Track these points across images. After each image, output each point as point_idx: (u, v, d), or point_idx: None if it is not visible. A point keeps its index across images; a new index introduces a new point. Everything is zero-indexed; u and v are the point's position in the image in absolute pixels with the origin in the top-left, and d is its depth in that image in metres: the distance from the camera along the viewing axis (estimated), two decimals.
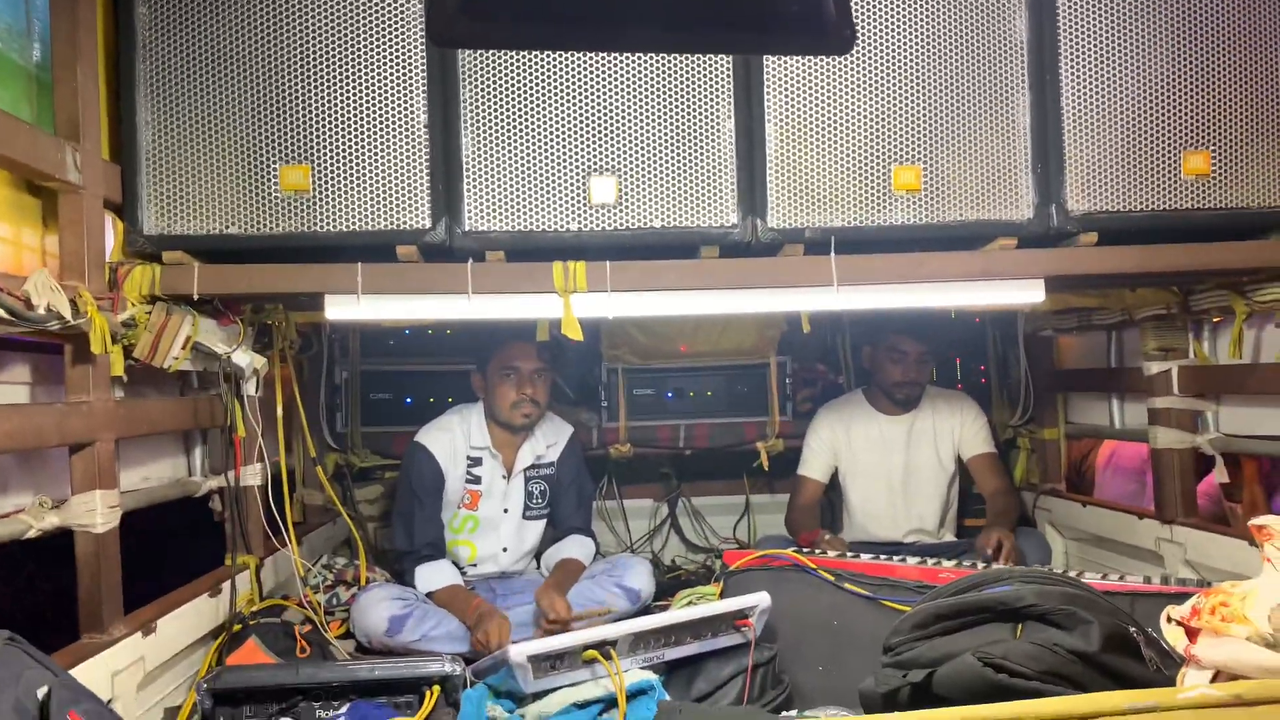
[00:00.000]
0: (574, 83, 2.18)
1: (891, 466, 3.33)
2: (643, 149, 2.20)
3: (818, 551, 2.73)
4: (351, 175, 2.13)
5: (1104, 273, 2.39)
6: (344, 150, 2.13)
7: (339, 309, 2.20)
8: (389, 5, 2.12)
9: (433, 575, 2.79)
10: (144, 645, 2.02)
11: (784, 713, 2.11)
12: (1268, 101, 2.32)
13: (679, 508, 3.96)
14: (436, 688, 2.02)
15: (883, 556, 2.72)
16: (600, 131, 2.19)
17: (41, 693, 1.42)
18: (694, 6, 1.04)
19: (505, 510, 3.01)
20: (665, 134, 2.21)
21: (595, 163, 2.19)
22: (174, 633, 2.17)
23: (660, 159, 2.21)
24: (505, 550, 3.03)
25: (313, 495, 3.27)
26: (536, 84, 2.17)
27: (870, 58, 2.24)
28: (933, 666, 1.67)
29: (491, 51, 2.15)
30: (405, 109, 2.13)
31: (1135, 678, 1.60)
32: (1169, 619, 1.61)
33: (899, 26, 2.24)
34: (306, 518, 3.28)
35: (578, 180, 2.19)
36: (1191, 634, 1.56)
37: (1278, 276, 2.44)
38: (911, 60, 2.25)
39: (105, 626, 1.93)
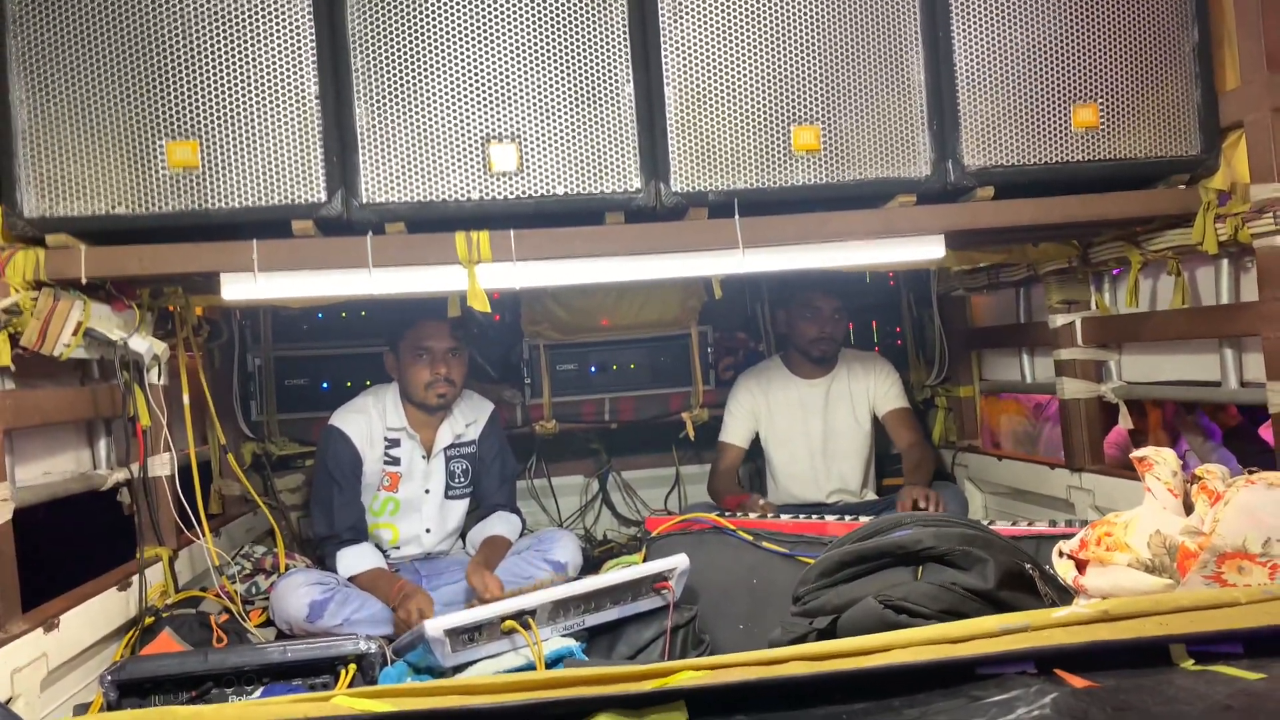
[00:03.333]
0: (469, 48, 2.15)
1: (811, 429, 3.38)
2: (543, 115, 2.18)
3: (741, 514, 2.77)
4: (242, 150, 2.07)
5: (1001, 226, 2.43)
6: (233, 124, 2.07)
7: (236, 288, 2.15)
8: None
9: (354, 559, 2.75)
10: (46, 642, 1.96)
11: None
12: (1153, 54, 2.38)
13: (610, 482, 3.97)
14: (352, 666, 2.00)
15: (802, 516, 2.76)
16: (498, 98, 2.16)
17: None
18: None
19: (427, 491, 2.99)
20: (565, 99, 2.19)
21: (495, 129, 2.17)
22: (80, 628, 2.11)
23: (561, 124, 2.19)
24: (428, 531, 3.00)
25: (231, 486, 3.20)
26: (430, 50, 2.14)
27: (766, 18, 2.25)
28: (838, 612, 1.70)
29: (383, 17, 2.11)
30: (295, 80, 2.08)
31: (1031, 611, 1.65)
32: (1060, 553, 1.66)
33: None
34: (226, 508, 3.22)
35: (477, 148, 2.16)
36: (1081, 566, 1.62)
37: (1168, 225, 2.52)
38: (807, 20, 2.26)
39: (2, 623, 1.87)
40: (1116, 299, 2.95)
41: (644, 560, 2.57)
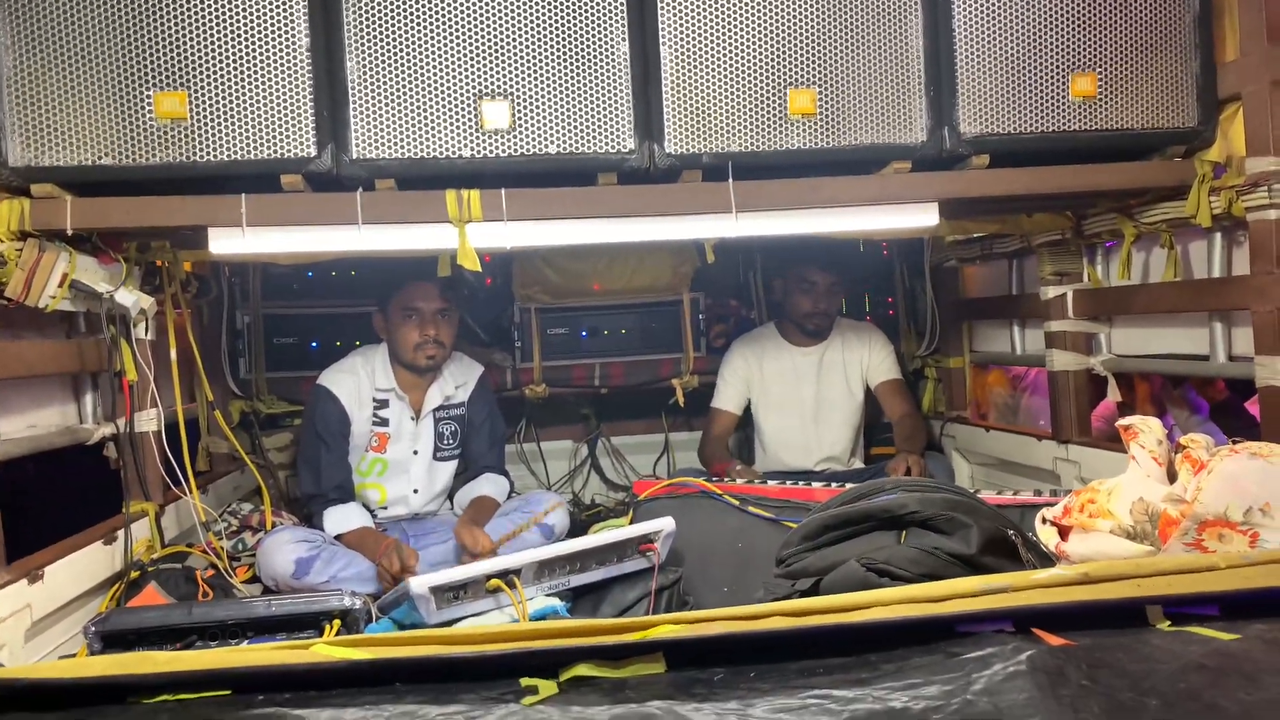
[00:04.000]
0: (463, 2, 2.12)
1: (803, 397, 3.39)
2: (536, 72, 2.16)
3: (728, 479, 2.77)
4: (231, 102, 2.05)
5: (996, 195, 2.42)
6: (222, 76, 2.04)
7: (224, 243, 2.14)
8: None
9: (342, 518, 2.76)
10: (30, 593, 1.96)
11: None
12: (1153, 24, 2.36)
13: (599, 448, 3.98)
14: (337, 622, 2.00)
15: (789, 482, 2.77)
16: (492, 53, 2.14)
17: None
18: None
19: (415, 452, 2.99)
20: (559, 57, 2.16)
21: (487, 86, 2.14)
22: (65, 580, 2.11)
23: (555, 83, 2.17)
24: (416, 492, 3.00)
25: (219, 444, 3.19)
26: (424, 3, 2.11)
27: None
28: (820, 575, 1.71)
29: None
30: (286, 31, 2.05)
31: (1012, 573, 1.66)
32: (1043, 520, 1.67)
33: None
34: (213, 466, 3.21)
35: (469, 104, 2.14)
36: (1064, 532, 1.63)
37: (1163, 198, 2.51)
38: None
39: None
40: (1109, 272, 2.95)
41: (630, 523, 2.58)
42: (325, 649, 1.14)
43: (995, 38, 2.31)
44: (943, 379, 3.87)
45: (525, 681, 1.05)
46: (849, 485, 2.64)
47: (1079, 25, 2.34)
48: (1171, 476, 1.55)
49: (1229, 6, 2.35)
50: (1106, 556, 1.45)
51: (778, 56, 2.25)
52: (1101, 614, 1.11)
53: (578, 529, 2.99)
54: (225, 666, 1.15)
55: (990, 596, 1.14)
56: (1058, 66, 2.34)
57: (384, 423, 2.94)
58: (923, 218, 2.44)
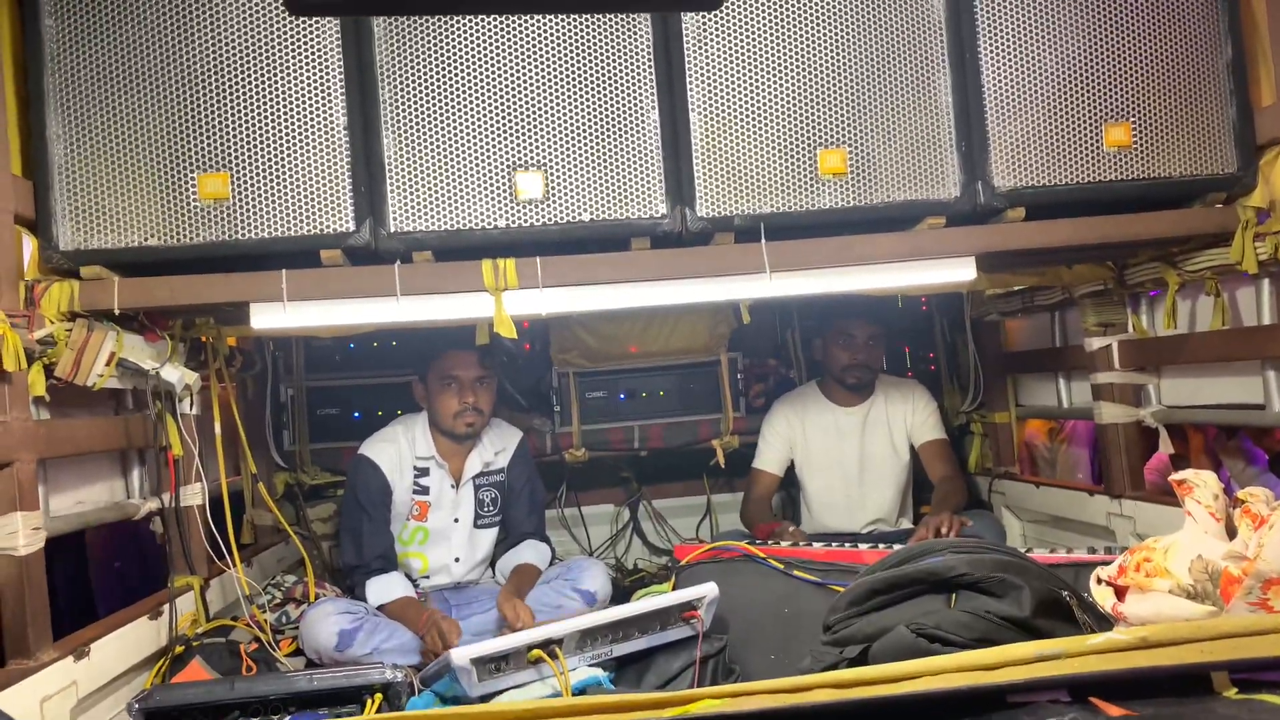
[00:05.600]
0: (495, 78, 2.17)
1: (847, 456, 3.34)
2: (568, 143, 2.19)
3: (772, 542, 2.73)
4: (272, 181, 2.10)
5: (1033, 247, 2.40)
6: (263, 156, 2.10)
7: (265, 318, 2.17)
8: None
9: (384, 588, 2.75)
10: (76, 670, 1.97)
11: None
12: (1185, 71, 2.35)
13: (640, 511, 3.95)
14: (379, 695, 1.98)
15: (835, 544, 2.71)
16: (524, 126, 2.18)
17: None
18: None
19: (456, 520, 2.98)
20: (590, 127, 2.20)
21: (521, 158, 2.18)
22: (110, 656, 2.12)
23: (586, 152, 2.20)
24: (458, 560, 2.99)
25: (263, 516, 3.22)
26: (457, 81, 2.16)
27: (790, 42, 2.25)
28: (869, 641, 1.66)
29: (410, 48, 2.14)
30: (324, 111, 2.12)
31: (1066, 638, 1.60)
32: (1098, 580, 1.61)
33: (816, 10, 2.25)
34: (258, 538, 3.23)
35: (504, 176, 2.18)
36: (1120, 592, 1.57)
37: (1206, 245, 2.47)
38: (831, 43, 2.26)
39: (32, 651, 1.88)
40: (1154, 321, 2.89)
41: (673, 589, 2.54)
42: None
43: (1025, 91, 2.31)
44: (989, 434, 3.80)
45: None
46: (897, 546, 2.60)
47: (1110, 75, 2.33)
48: (1231, 532, 1.49)
49: (1263, 52, 2.34)
50: (1166, 618, 1.39)
51: (806, 117, 2.26)
52: (1163, 681, 1.06)
53: (621, 595, 2.95)
54: None
55: (1044, 663, 1.09)
56: (1090, 117, 2.33)
57: (424, 491, 2.95)
58: (960, 272, 2.42)
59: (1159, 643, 1.12)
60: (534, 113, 2.19)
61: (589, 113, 2.20)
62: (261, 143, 2.10)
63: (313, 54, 2.11)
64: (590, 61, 2.20)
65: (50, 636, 1.96)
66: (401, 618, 2.64)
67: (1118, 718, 1.00)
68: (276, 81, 2.10)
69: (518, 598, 2.66)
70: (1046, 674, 1.07)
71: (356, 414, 3.66)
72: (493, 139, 2.17)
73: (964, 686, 1.06)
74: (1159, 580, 1.43)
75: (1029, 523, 3.56)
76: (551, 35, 2.18)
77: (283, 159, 2.11)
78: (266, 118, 2.10)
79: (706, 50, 2.23)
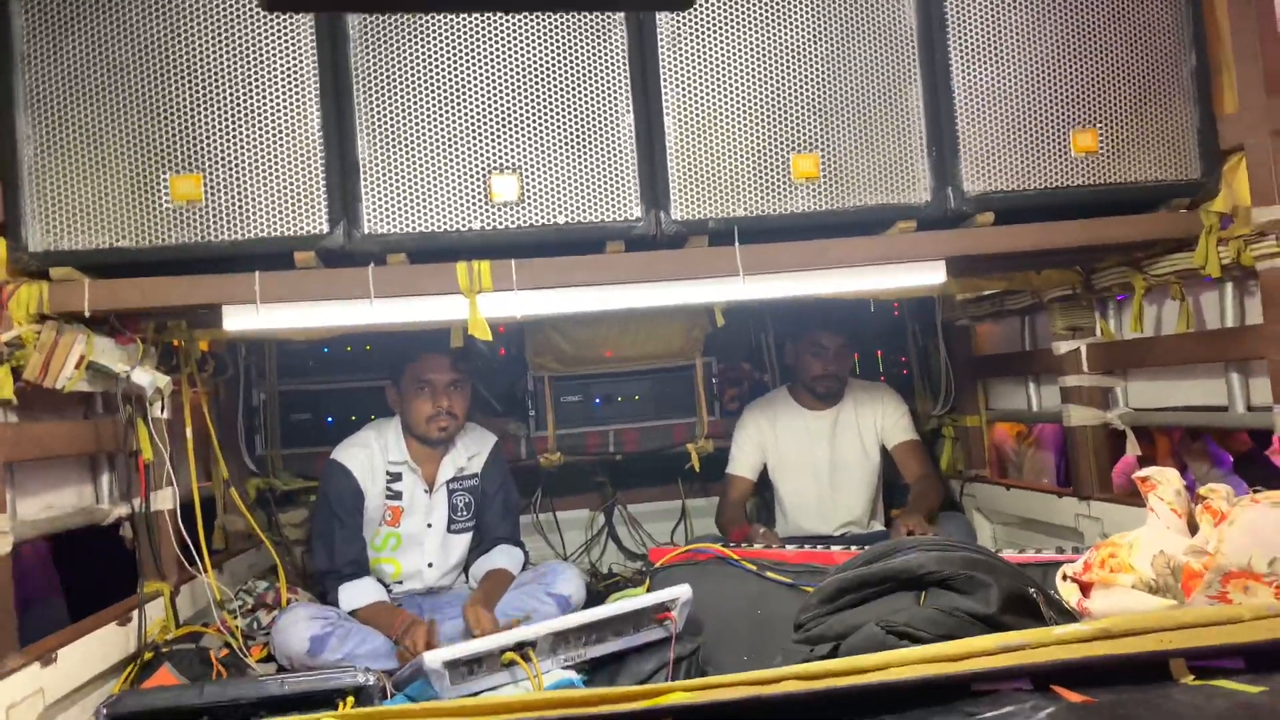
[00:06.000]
0: (470, 80, 2.17)
1: (818, 460, 3.36)
2: (543, 145, 2.20)
3: (745, 545, 2.74)
4: (245, 182, 2.10)
5: (1002, 251, 2.43)
6: (237, 157, 2.09)
7: (238, 320, 2.16)
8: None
9: (356, 594, 2.73)
10: (43, 676, 1.94)
11: None
12: (1151, 79, 2.39)
13: (615, 516, 3.95)
14: (350, 699, 1.96)
15: (808, 546, 2.73)
16: (499, 129, 2.19)
17: None
18: None
19: (429, 525, 2.97)
20: (565, 130, 2.21)
21: (496, 160, 2.19)
22: (78, 663, 2.09)
23: (561, 155, 2.21)
24: (430, 566, 2.98)
25: (235, 521, 3.19)
26: (432, 83, 2.16)
27: (764, 47, 2.27)
28: (840, 639, 1.68)
29: (385, 50, 2.14)
30: (298, 112, 2.11)
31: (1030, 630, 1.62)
32: (1064, 576, 1.64)
33: (790, 16, 2.27)
34: (230, 544, 3.20)
35: (479, 178, 2.18)
36: (1085, 589, 1.59)
37: (1171, 250, 2.52)
38: (804, 49, 2.28)
39: None
40: (1121, 325, 2.93)
41: (647, 591, 2.54)
42: None
43: (994, 97, 2.35)
44: (960, 438, 3.84)
45: None
46: (866, 547, 2.62)
47: (1077, 82, 2.37)
48: (1192, 528, 1.52)
49: (1226, 61, 2.38)
50: (1129, 611, 1.41)
51: (779, 122, 2.29)
52: (1123, 669, 1.08)
53: (596, 599, 2.95)
54: None
55: (1008, 654, 1.11)
56: (1058, 123, 2.37)
57: (397, 496, 2.93)
58: (930, 276, 2.45)
59: (1120, 633, 1.14)
60: (509, 115, 2.19)
61: (564, 116, 2.21)
62: (235, 144, 2.09)
63: (288, 55, 2.11)
64: (565, 65, 2.21)
65: (16, 643, 1.93)
66: (374, 623, 2.63)
67: (1078, 704, 1.02)
68: (251, 82, 2.10)
69: (484, 604, 2.65)
70: (1009, 663, 1.09)
71: (329, 419, 3.64)
72: (468, 141, 2.18)
73: (929, 675, 1.08)
74: (1123, 575, 1.45)
75: (1000, 525, 3.59)
76: (526, 38, 2.19)
77: (256, 160, 2.10)
78: (240, 119, 2.10)
79: (681, 54, 2.25)
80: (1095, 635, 1.14)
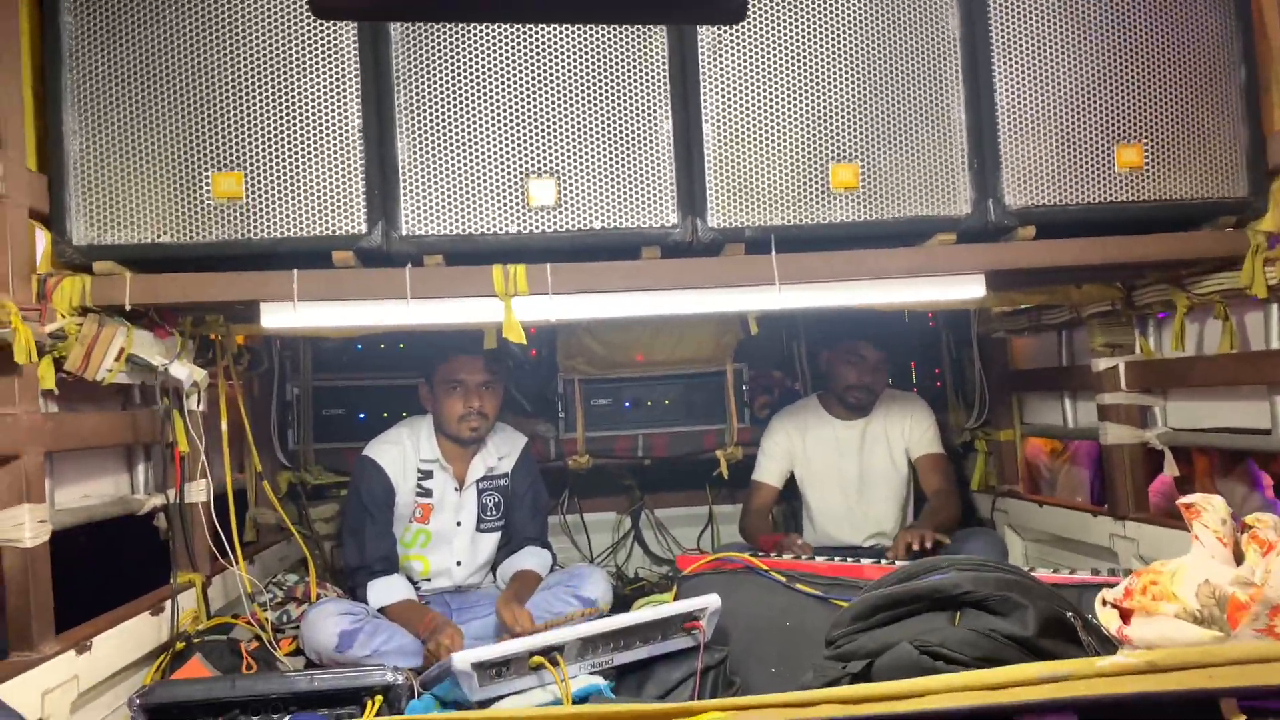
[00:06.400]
0: (510, 85, 2.18)
1: (846, 470, 3.33)
2: (582, 151, 2.20)
3: (776, 555, 2.72)
4: (286, 181, 2.11)
5: (1043, 266, 2.39)
6: (278, 156, 2.11)
7: (275, 317, 2.18)
8: None
9: (385, 590, 2.75)
10: (78, 664, 1.97)
11: None
12: (1198, 94, 2.35)
13: (642, 520, 3.94)
14: (379, 698, 1.98)
15: (838, 559, 2.71)
16: (539, 133, 2.19)
17: None
18: None
19: (458, 523, 2.98)
20: (604, 136, 2.21)
21: (534, 165, 2.19)
22: (112, 651, 2.12)
23: (599, 161, 2.21)
24: (459, 564, 2.99)
25: (266, 514, 3.22)
26: (472, 86, 2.17)
27: (806, 57, 2.25)
28: (872, 657, 1.66)
29: (427, 53, 2.15)
30: (339, 114, 2.12)
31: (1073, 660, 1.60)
32: (1103, 602, 1.61)
33: (832, 25, 2.26)
34: (260, 537, 3.23)
35: (516, 183, 2.18)
36: (1125, 615, 1.56)
37: (1216, 268, 2.47)
38: (846, 59, 2.27)
39: (35, 644, 1.89)
40: (1162, 343, 2.89)
41: (675, 599, 2.54)
42: None
43: (1038, 110, 2.32)
44: (993, 452, 3.79)
45: None
46: (899, 563, 2.60)
47: (1123, 97, 2.34)
48: (1238, 558, 1.49)
49: (1276, 77, 2.34)
50: (1172, 642, 1.39)
51: (819, 132, 2.27)
52: (1171, 706, 1.05)
53: (621, 603, 2.95)
54: None
55: (1051, 685, 1.09)
56: (1103, 138, 2.33)
57: (428, 493, 2.95)
58: (969, 289, 2.42)
59: (1167, 667, 1.12)
60: (548, 120, 2.19)
61: (603, 121, 2.21)
62: (277, 143, 2.11)
63: (330, 56, 2.12)
64: (605, 70, 2.21)
65: (53, 630, 1.96)
66: (402, 620, 2.64)
67: None
68: (293, 82, 2.11)
69: (517, 603, 2.66)
70: (1054, 695, 1.07)
71: (361, 415, 3.66)
72: (507, 145, 2.18)
73: (972, 705, 1.06)
74: (1165, 604, 1.43)
75: (1031, 542, 3.55)
76: (567, 43, 2.19)
77: (297, 160, 2.11)
78: (282, 118, 2.11)
79: (722, 62, 2.24)
80: (1142, 669, 1.12)
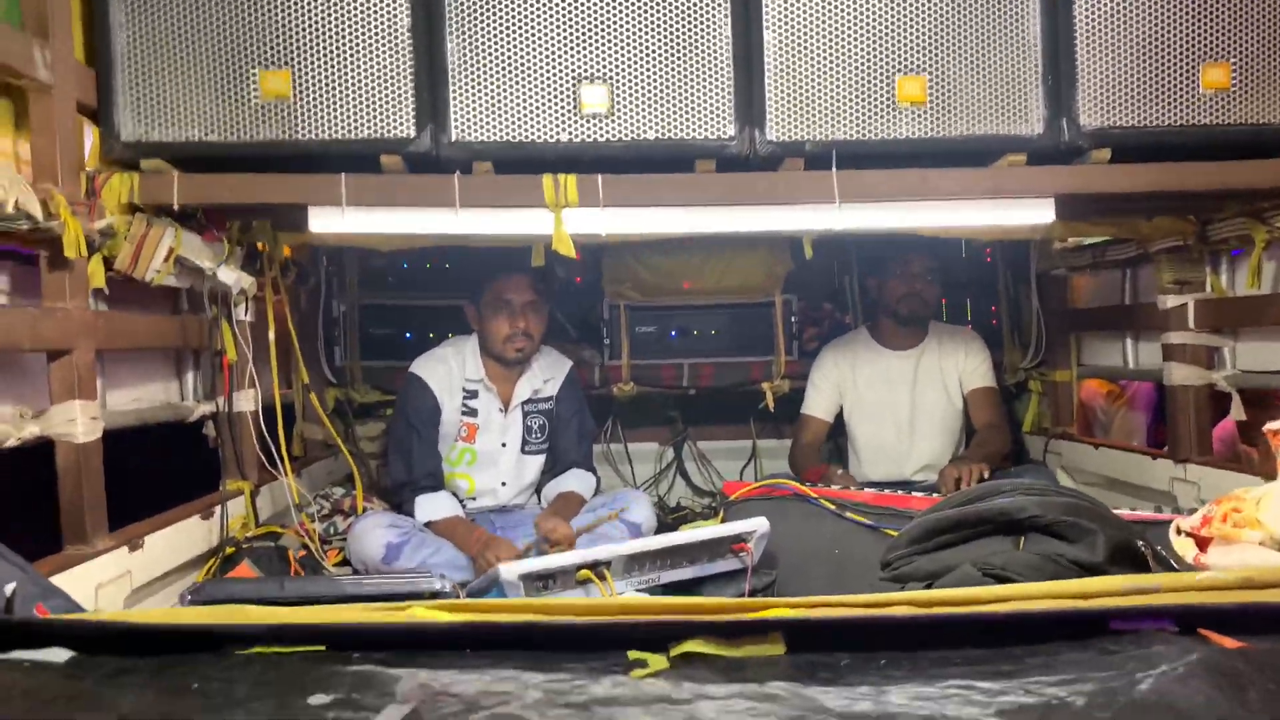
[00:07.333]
0: None
1: (898, 403, 3.27)
2: (636, 56, 2.12)
3: (822, 484, 2.68)
4: (334, 81, 2.05)
5: (1117, 192, 2.29)
6: (326, 55, 2.05)
7: (323, 221, 2.14)
8: None
9: (433, 505, 2.75)
10: (130, 560, 1.98)
11: None
12: None
13: (685, 452, 3.91)
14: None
15: (887, 490, 2.66)
16: (591, 37, 2.10)
17: (9, 588, 1.38)
18: None
19: (503, 444, 2.96)
20: (659, 41, 2.12)
21: (586, 70, 2.11)
22: (163, 550, 2.13)
23: (654, 67, 2.12)
24: (504, 485, 2.98)
25: (313, 429, 3.22)
26: None
27: None
28: (931, 579, 1.61)
29: None
30: (389, 11, 2.05)
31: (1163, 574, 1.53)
32: (1178, 530, 1.55)
33: None
34: (307, 451, 3.24)
35: (568, 88, 2.11)
36: (1202, 544, 1.50)
37: None
38: None
39: (89, 538, 1.90)
40: (1235, 281, 2.76)
41: (721, 523, 2.51)
42: (424, 611, 1.10)
43: (1118, 24, 2.19)
44: (1048, 393, 3.69)
45: (634, 654, 0.99)
46: (963, 489, 2.54)
47: (1210, 12, 2.20)
48: None
49: None
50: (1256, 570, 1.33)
51: (886, 41, 2.16)
52: (1274, 619, 0.99)
53: (664, 530, 2.92)
54: (322, 622, 1.12)
55: (1144, 595, 1.03)
56: (1187, 56, 2.20)
57: (473, 413, 2.93)
58: (1038, 214, 2.32)
59: (1265, 584, 1.05)
60: (603, 23, 2.11)
61: (659, 25, 2.12)
62: (325, 41, 2.05)
63: None
64: None
65: (106, 526, 1.97)
66: (450, 535, 2.64)
67: (1233, 649, 0.94)
68: None
69: (558, 517, 2.65)
70: (1152, 602, 1.01)
71: (408, 334, 3.65)
72: (559, 49, 2.10)
73: (1062, 609, 1.01)
74: (1249, 531, 1.36)
75: (1085, 485, 3.46)
76: None
77: (345, 59, 2.06)
78: (330, 15, 2.05)
79: None
80: (1238, 584, 1.06)
